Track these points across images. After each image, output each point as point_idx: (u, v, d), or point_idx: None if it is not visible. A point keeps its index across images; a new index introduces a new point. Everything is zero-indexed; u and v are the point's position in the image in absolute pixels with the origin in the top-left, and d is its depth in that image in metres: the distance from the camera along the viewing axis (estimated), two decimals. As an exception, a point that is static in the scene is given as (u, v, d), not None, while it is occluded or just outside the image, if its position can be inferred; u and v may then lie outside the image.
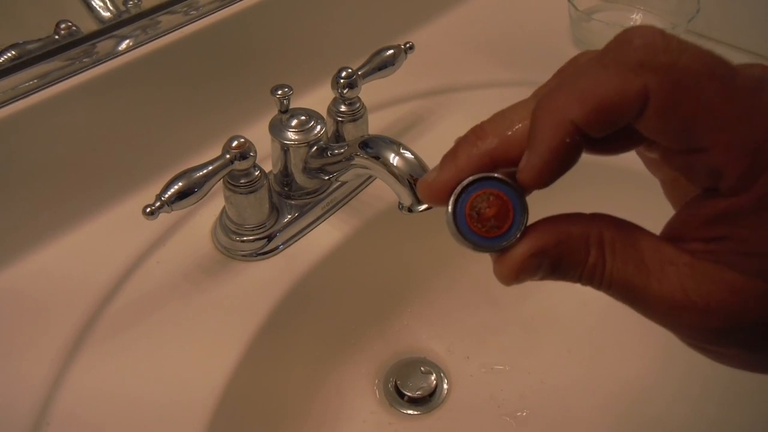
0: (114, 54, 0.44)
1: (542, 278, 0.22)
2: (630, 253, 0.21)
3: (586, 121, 0.19)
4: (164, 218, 0.42)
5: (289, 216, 0.47)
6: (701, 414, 0.47)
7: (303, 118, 0.45)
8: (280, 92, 0.43)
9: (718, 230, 0.20)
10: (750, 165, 0.19)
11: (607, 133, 0.20)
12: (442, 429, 0.49)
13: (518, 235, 0.22)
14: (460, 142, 0.22)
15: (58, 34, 0.43)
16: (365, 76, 0.47)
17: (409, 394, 0.50)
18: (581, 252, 0.21)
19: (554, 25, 0.68)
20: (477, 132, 0.22)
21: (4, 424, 0.36)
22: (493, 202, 0.22)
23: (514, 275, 0.21)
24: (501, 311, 0.55)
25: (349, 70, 0.46)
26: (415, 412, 0.50)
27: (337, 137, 0.48)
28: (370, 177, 0.51)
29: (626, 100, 0.19)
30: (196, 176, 0.39)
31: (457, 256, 0.48)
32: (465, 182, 0.22)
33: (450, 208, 0.22)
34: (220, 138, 0.43)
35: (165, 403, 0.38)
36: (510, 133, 0.21)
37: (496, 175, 0.22)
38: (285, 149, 0.45)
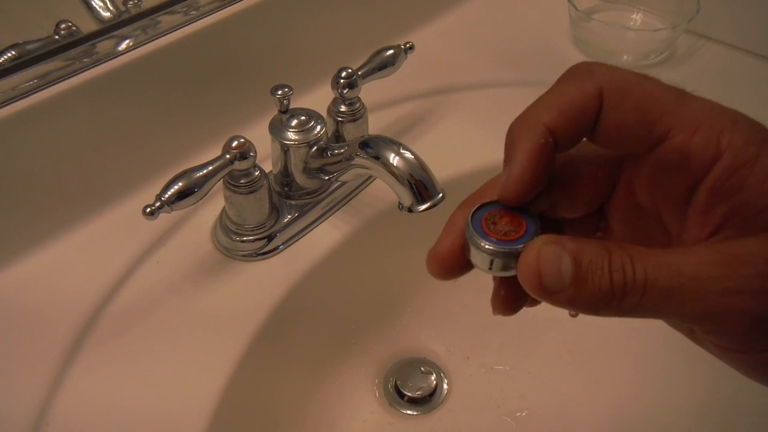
0: (114, 54, 0.44)
1: (569, 289, 0.20)
2: (658, 252, 0.20)
3: (555, 124, 0.22)
4: (164, 218, 0.42)
5: (289, 216, 0.47)
6: (705, 416, 0.47)
7: (303, 118, 0.45)
8: (280, 92, 0.43)
9: (715, 214, 0.21)
10: (707, 135, 0.20)
11: (575, 136, 0.22)
12: (442, 429, 0.49)
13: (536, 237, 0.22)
14: (455, 212, 0.24)
15: (58, 34, 0.43)
16: (365, 76, 0.47)
17: (409, 394, 0.50)
18: (602, 252, 0.20)
19: (554, 25, 0.68)
20: (471, 199, 0.25)
21: (4, 423, 0.36)
22: (506, 215, 0.23)
23: (534, 266, 0.20)
24: (501, 311, 0.55)
25: (349, 70, 0.46)
26: (415, 412, 0.50)
27: (337, 137, 0.48)
28: (370, 177, 0.51)
29: (585, 99, 0.22)
30: (196, 176, 0.39)
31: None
32: (479, 204, 0.23)
33: (469, 221, 0.23)
34: (220, 138, 0.43)
35: (165, 404, 0.38)
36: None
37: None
38: (285, 149, 0.45)
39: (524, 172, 0.22)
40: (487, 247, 0.22)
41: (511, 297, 0.24)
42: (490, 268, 0.22)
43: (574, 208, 0.26)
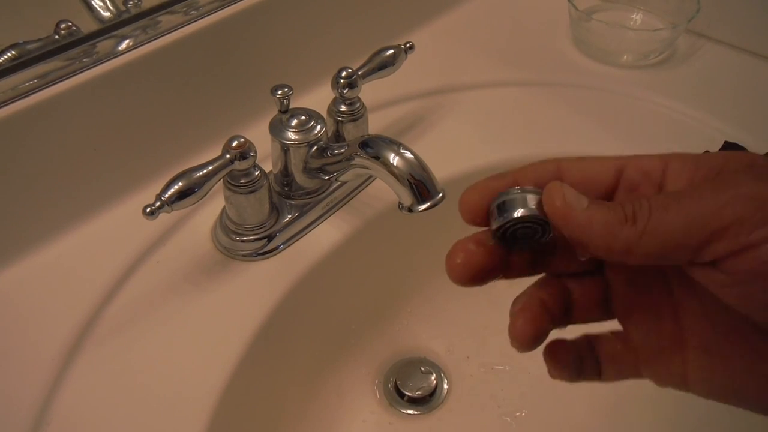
0: (114, 54, 0.44)
1: (589, 208, 0.23)
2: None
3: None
4: (164, 218, 0.42)
5: (289, 216, 0.47)
6: (705, 416, 0.47)
7: (303, 118, 0.45)
8: (280, 92, 0.43)
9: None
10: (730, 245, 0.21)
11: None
12: (442, 429, 0.49)
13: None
14: (466, 192, 0.27)
15: (58, 34, 0.43)
16: (365, 76, 0.47)
17: (409, 394, 0.50)
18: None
19: (554, 25, 0.68)
20: (482, 182, 0.26)
21: (4, 423, 0.36)
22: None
23: (558, 186, 0.23)
24: (501, 311, 0.54)
25: (349, 70, 0.46)
26: (415, 412, 0.50)
27: (337, 137, 0.48)
28: (370, 177, 0.51)
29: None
30: (196, 176, 0.39)
31: (457, 256, 0.48)
32: (498, 201, 0.25)
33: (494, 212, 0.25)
34: (220, 138, 0.43)
35: (165, 404, 0.38)
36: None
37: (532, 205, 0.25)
38: (285, 149, 0.45)
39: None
40: (516, 190, 0.25)
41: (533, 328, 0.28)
42: (518, 208, 0.25)
43: (571, 267, 0.29)
